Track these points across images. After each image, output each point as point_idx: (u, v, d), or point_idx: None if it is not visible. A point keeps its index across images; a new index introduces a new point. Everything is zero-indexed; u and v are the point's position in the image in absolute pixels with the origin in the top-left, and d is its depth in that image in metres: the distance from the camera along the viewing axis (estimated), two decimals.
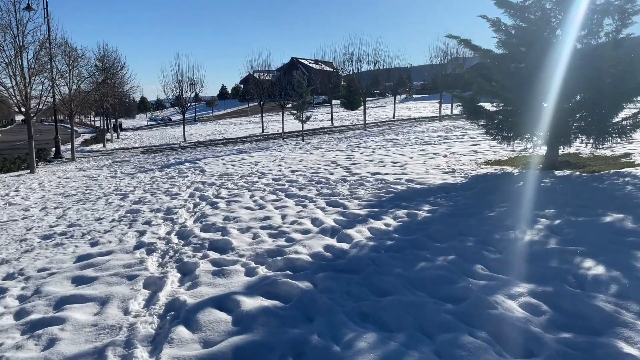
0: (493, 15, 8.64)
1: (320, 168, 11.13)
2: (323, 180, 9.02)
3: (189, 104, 37.81)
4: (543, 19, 7.94)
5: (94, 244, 5.97)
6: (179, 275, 4.44)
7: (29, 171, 18.15)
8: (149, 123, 73.75)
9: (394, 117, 41.75)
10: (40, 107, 20.21)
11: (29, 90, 18.20)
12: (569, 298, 3.08)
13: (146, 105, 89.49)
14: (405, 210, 5.86)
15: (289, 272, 4.12)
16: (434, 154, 11.90)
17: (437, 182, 7.71)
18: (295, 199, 7.45)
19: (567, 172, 7.73)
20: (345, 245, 4.67)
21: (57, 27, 29.50)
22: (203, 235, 5.65)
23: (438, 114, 40.50)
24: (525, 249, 4.02)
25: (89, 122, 77.26)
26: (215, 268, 4.41)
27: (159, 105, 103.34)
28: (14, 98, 18.24)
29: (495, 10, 8.49)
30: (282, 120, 29.54)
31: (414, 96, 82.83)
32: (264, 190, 8.50)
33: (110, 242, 5.95)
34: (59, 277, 4.68)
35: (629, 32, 7.83)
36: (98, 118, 49.13)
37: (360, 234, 5.03)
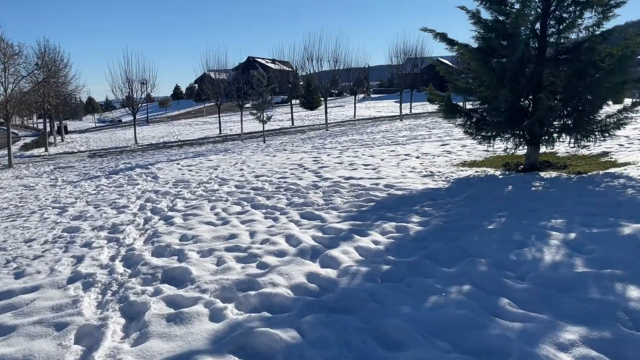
0: (468, 8, 8.10)
1: (287, 172, 10.26)
2: (292, 186, 8.16)
3: (140, 105, 35.71)
4: (523, 10, 7.45)
5: (19, 274, 4.85)
6: (123, 321, 3.47)
7: None
8: (98, 125, 69.94)
9: (354, 117, 41.37)
10: None
11: None
12: (632, 346, 2.41)
13: (94, 106, 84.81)
14: (393, 223, 5.12)
15: (266, 313, 3.25)
16: (405, 155, 11.32)
17: (419, 187, 7.05)
18: (264, 211, 6.56)
19: (553, 173, 7.29)
20: (332, 273, 3.86)
21: None
22: (155, 261, 4.67)
23: (398, 114, 40.54)
24: (552, 274, 3.36)
25: (30, 125, 72.31)
26: (171, 310, 3.48)
27: (108, 106, 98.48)
28: None
29: (470, 3, 7.97)
30: (241, 121, 28.36)
31: (372, 96, 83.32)
32: (227, 200, 7.54)
33: (39, 272, 4.85)
34: None
35: (608, 26, 7.49)
36: (41, 120, 45.80)
37: (347, 255, 4.24)
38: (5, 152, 24.25)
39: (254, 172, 10.93)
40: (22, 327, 3.47)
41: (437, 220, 5.11)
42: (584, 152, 9.13)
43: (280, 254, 4.56)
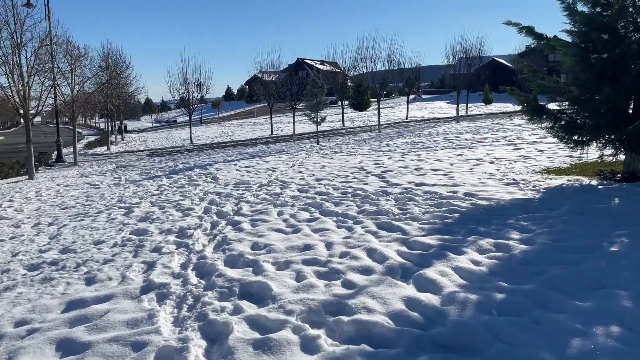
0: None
1: (349, 176, 9.82)
2: (359, 192, 7.70)
3: (195, 106, 36.57)
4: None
5: (89, 280, 4.70)
6: (204, 343, 3.14)
7: (27, 177, 16.95)
8: (154, 125, 72.73)
9: (406, 118, 40.36)
10: (40, 108, 19.00)
11: (27, 90, 17.00)
12: None
13: (151, 107, 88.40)
14: (490, 240, 4.53)
15: (366, 346, 2.81)
16: (476, 159, 10.56)
17: (505, 197, 6.38)
18: (334, 218, 6.13)
19: None
20: (434, 299, 3.35)
21: (58, 24, 28.39)
22: (229, 272, 4.34)
23: (452, 115, 39.11)
24: None
25: (93, 124, 76.34)
26: (256, 334, 3.11)
27: (163, 106, 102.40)
28: (12, 99, 17.04)
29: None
30: (293, 122, 28.26)
31: (423, 97, 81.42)
32: (293, 205, 7.19)
33: (110, 278, 4.67)
34: (39, 340, 3.39)
35: None
36: (102, 120, 48.04)
37: (446, 278, 3.71)
38: (71, 150, 25.43)
39: (313, 175, 10.57)
40: (97, 345, 3.21)
41: (542, 238, 4.46)
42: None
43: (365, 271, 4.10)
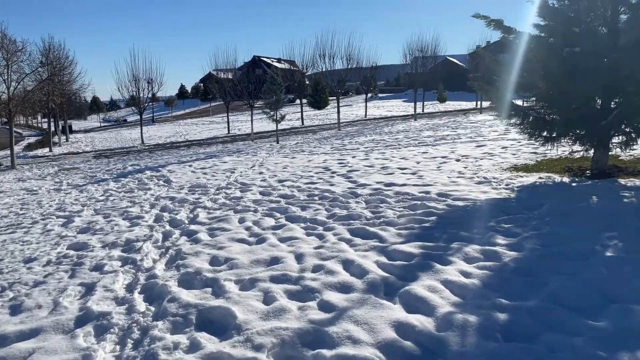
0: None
1: (313, 177, 9.30)
2: (327, 194, 7.20)
3: (146, 104, 34.81)
4: None
5: (15, 309, 3.94)
6: None
7: None
8: (102, 124, 69.23)
9: (365, 116, 40.37)
10: None
11: None
12: None
13: (99, 106, 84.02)
14: (476, 246, 4.14)
15: None
16: (442, 157, 10.32)
17: (480, 196, 6.07)
18: (303, 225, 5.59)
19: (636, 180, 6.29)
20: (428, 323, 2.88)
21: None
22: (185, 295, 3.71)
23: (409, 113, 39.50)
24: None
25: (35, 124, 71.66)
26: None
27: (112, 105, 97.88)
28: None
29: None
30: (252, 120, 27.41)
31: (379, 95, 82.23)
32: (256, 210, 6.58)
33: (39, 306, 3.92)
34: None
35: None
36: (45, 120, 45.03)
37: (436, 294, 3.26)
38: (8, 152, 23.41)
39: (275, 175, 9.98)
40: None
41: (531, 242, 4.13)
42: None
43: (344, 288, 3.59)
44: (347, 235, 4.94)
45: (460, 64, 77.21)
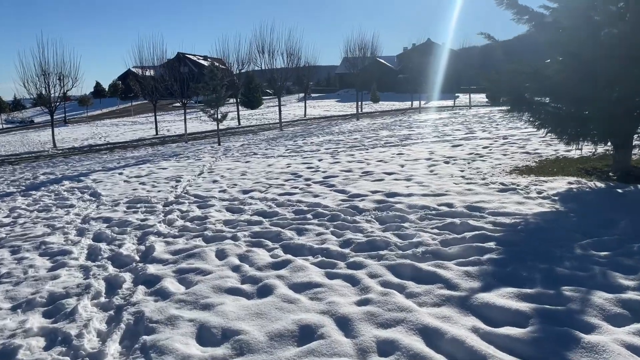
0: None
1: (285, 185, 7.73)
2: (319, 209, 5.67)
3: (57, 103, 30.59)
4: None
5: None
6: None
7: None
8: (5, 126, 61.44)
9: (305, 116, 39.05)
10: None
11: None
12: None
13: (0, 105, 74.67)
14: (602, 293, 2.88)
15: None
16: (426, 159, 9.19)
17: (523, 210, 4.89)
18: (314, 260, 4.03)
19: None
20: None
21: None
22: None
23: (347, 113, 38.89)
24: None
25: None
26: None
27: (17, 105, 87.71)
28: None
29: None
30: (185, 120, 24.91)
31: (312, 95, 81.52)
32: (235, 237, 4.87)
33: None
34: None
35: None
36: None
37: None
38: None
39: (236, 185, 8.25)
40: None
41: None
42: None
43: None
44: (392, 278, 3.47)
45: (389, 65, 78.74)
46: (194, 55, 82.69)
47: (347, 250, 4.17)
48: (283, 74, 31.20)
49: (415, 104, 45.92)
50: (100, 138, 31.82)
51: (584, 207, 4.84)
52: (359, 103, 33.63)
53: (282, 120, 31.47)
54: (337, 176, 8.13)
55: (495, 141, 10.93)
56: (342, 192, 6.74)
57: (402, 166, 8.62)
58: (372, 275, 3.53)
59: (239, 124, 34.22)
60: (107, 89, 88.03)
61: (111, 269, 4.32)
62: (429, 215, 5.00)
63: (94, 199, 8.20)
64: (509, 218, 4.63)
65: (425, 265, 3.59)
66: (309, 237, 4.68)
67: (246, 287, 3.57)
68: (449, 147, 10.63)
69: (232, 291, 3.50)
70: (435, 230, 4.46)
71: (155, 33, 50.87)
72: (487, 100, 40.36)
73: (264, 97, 63.90)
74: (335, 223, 5.07)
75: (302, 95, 71.60)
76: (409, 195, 6.05)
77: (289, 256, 4.15)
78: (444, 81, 56.32)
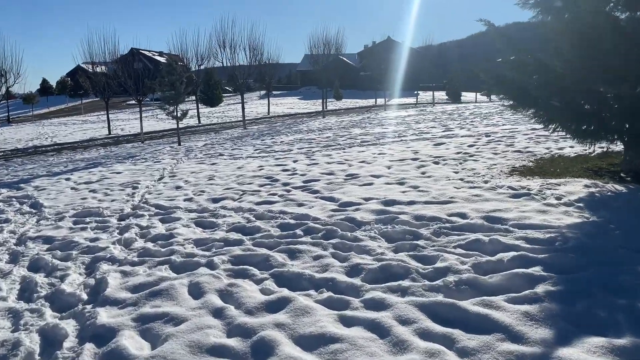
0: None
1: (261, 192, 6.79)
2: (310, 223, 4.78)
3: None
4: None
5: None
6: None
7: None
8: None
9: (268, 114, 37.86)
10: None
11: None
12: None
13: None
14: None
15: None
16: (412, 160, 8.46)
17: (552, 221, 4.21)
18: (318, 296, 3.15)
19: None
20: None
21: None
22: None
23: (311, 110, 38.03)
24: None
25: None
26: None
27: None
28: None
29: None
30: (140, 119, 23.25)
31: (273, 92, 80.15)
32: (211, 265, 3.91)
33: None
34: None
35: None
36: None
37: None
38: None
39: (203, 192, 7.23)
40: None
41: None
42: None
43: None
44: (432, 325, 2.64)
45: (351, 62, 78.56)
46: (149, 50, 79.33)
47: (358, 281, 3.32)
48: (245, 70, 29.94)
49: (380, 101, 45.69)
50: (46, 138, 29.41)
51: (618, 215, 4.21)
52: (324, 100, 32.74)
53: (247, 118, 30.23)
54: (318, 180, 7.27)
55: (479, 139, 10.40)
56: (330, 199, 5.88)
57: (389, 167, 7.86)
58: (403, 321, 2.70)
59: (199, 122, 32.64)
60: (54, 86, 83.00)
61: (49, 316, 3.26)
62: (444, 229, 4.23)
63: (34, 211, 6.96)
64: (541, 232, 3.92)
65: (468, 305, 2.79)
66: (305, 262, 3.79)
67: (235, 343, 2.64)
68: (431, 146, 9.99)
69: (217, 351, 2.56)
70: (460, 251, 3.68)
71: (107, 25, 47.89)
72: (487, 98, 41.15)
73: (224, 95, 62.03)
74: (333, 241, 4.20)
75: (263, 92, 70.05)
76: (410, 203, 5.27)
77: (284, 291, 3.25)
78: (405, 79, 56.65)
